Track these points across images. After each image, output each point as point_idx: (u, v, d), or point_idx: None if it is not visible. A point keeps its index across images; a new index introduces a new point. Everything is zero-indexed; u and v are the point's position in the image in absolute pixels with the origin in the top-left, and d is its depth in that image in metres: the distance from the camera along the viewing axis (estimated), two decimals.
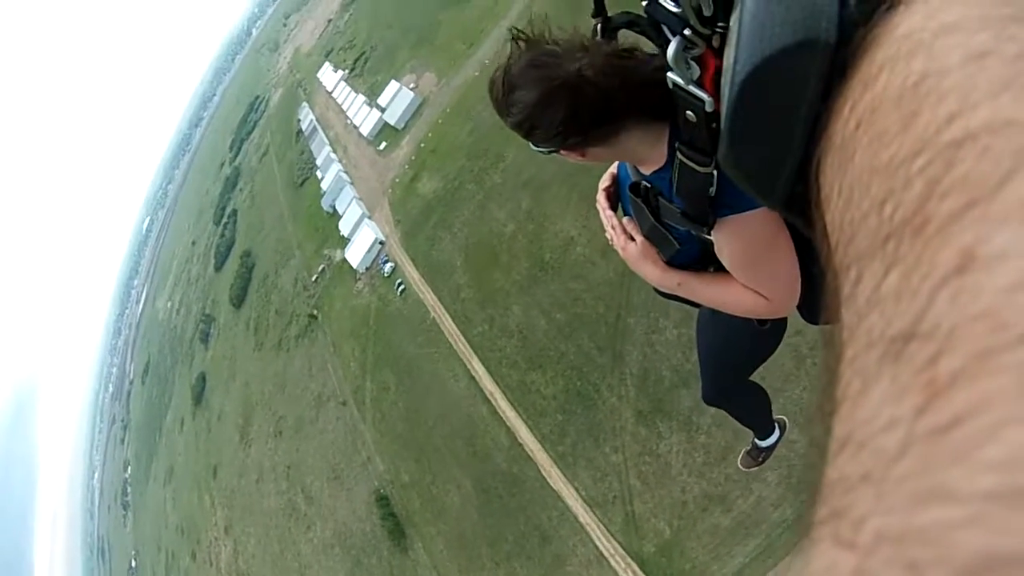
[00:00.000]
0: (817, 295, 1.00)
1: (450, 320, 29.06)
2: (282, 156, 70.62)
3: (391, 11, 57.57)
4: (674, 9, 0.71)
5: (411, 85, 45.20)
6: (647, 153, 1.17)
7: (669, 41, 0.75)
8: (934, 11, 0.23)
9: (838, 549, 0.16)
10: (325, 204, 49.06)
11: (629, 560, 18.79)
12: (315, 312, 42.48)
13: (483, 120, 32.54)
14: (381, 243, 38.01)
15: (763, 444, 2.59)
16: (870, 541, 0.15)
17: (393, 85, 47.02)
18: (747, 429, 2.46)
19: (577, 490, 21.21)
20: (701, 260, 1.32)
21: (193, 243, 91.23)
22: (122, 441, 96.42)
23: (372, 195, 43.33)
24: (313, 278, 45.49)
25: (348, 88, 59.58)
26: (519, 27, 1.10)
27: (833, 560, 0.16)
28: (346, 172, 49.63)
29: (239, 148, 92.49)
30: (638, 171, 1.24)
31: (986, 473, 0.13)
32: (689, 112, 0.87)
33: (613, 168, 1.42)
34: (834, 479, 0.18)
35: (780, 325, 1.59)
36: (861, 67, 0.26)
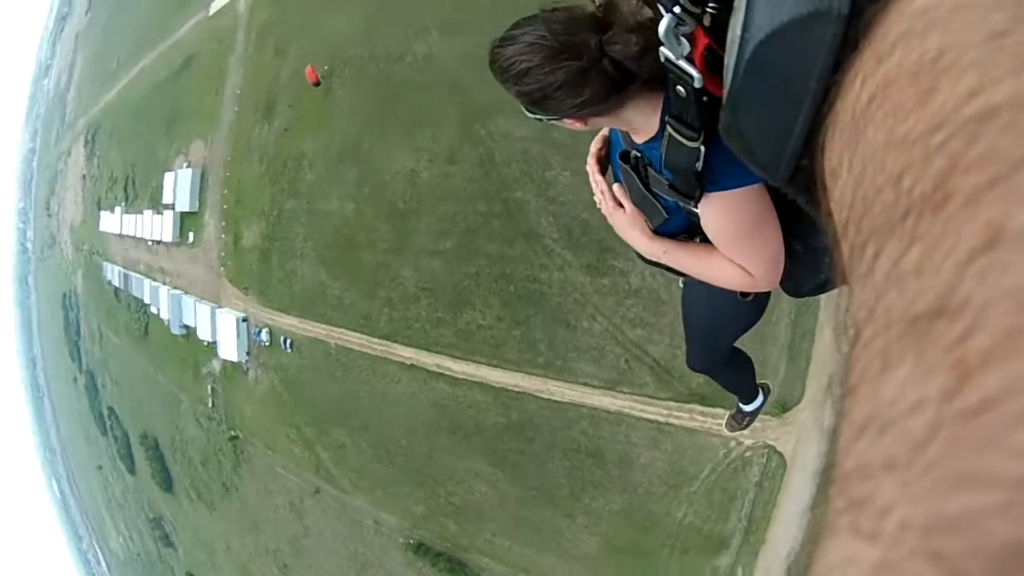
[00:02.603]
0: (800, 270, 1.24)
1: (351, 332, 24.63)
2: (115, 325, 63.69)
3: (129, 123, 53.66)
4: None
5: (184, 165, 41.15)
6: (643, 123, 1.18)
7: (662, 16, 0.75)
8: None
9: (858, 540, 0.15)
10: (175, 329, 43.98)
11: (690, 407, 15.28)
12: (233, 432, 37.04)
13: (265, 142, 29.09)
14: (244, 320, 33.49)
15: (747, 408, 2.78)
16: (894, 532, 0.14)
17: (168, 177, 42.84)
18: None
19: (588, 384, 17.50)
20: (687, 231, 1.35)
21: (100, 468, 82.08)
22: None
23: (209, 286, 38.67)
24: (210, 404, 39.93)
25: (132, 216, 54.41)
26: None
27: (853, 552, 0.16)
28: (174, 287, 45.06)
29: (78, 352, 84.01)
30: (630, 139, 1.26)
31: (1020, 458, 0.13)
32: (679, 87, 0.89)
33: (605, 131, 1.42)
34: (852, 466, 0.17)
35: (763, 296, 1.63)
36: (873, 41, 0.25)
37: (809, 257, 1.24)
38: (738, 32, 0.34)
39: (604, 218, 1.46)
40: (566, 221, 17.46)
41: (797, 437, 13.03)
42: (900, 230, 0.19)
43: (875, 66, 0.25)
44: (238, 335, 33.57)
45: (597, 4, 1.05)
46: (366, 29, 21.63)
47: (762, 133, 0.35)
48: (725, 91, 0.35)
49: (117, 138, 59.93)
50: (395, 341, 23.02)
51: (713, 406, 14.56)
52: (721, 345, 2.01)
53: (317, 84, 24.07)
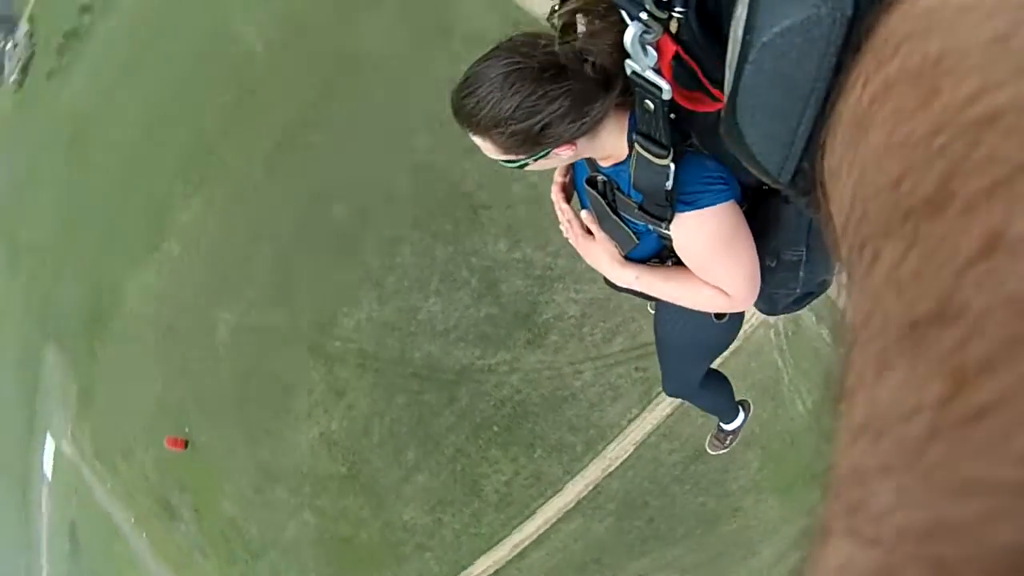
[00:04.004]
0: (774, 288, 1.25)
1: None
2: None
3: None
4: None
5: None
6: (614, 145, 1.15)
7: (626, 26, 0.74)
8: None
9: (857, 545, 0.16)
10: None
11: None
12: None
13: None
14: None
15: (729, 428, 2.89)
16: (893, 536, 0.14)
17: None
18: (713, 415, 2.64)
19: (634, 419, 15.82)
20: (659, 255, 1.32)
21: None
22: None
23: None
24: None
25: None
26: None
27: (851, 556, 0.16)
28: None
29: None
30: (595, 164, 1.24)
31: (1018, 465, 0.13)
32: (647, 101, 0.87)
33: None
34: (848, 470, 0.17)
35: (737, 317, 1.64)
36: (876, 43, 0.26)
37: (783, 273, 1.21)
38: (740, 34, 0.34)
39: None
40: (471, 336, 16.19)
41: None
42: (899, 233, 0.19)
43: (877, 68, 0.24)
44: None
45: (555, 16, 1.00)
46: (162, 404, 20.00)
47: (764, 134, 0.35)
48: (726, 94, 0.36)
49: None
50: (465, 567, 20.09)
51: None
52: (696, 369, 2.01)
53: (186, 446, 21.97)
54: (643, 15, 0.71)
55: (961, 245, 0.16)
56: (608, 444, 11.53)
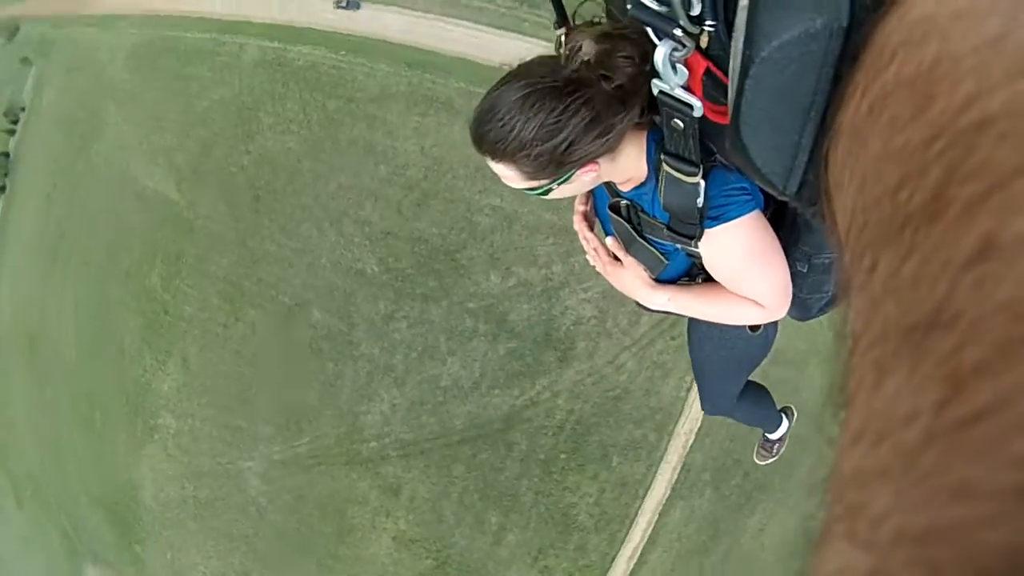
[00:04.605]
0: (805, 293, 1.23)
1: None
2: None
3: None
4: (659, 8, 0.71)
5: None
6: (634, 166, 1.13)
7: (655, 46, 0.75)
8: None
9: (854, 548, 0.16)
10: None
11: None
12: None
13: None
14: None
15: (774, 437, 2.74)
16: (889, 540, 0.15)
17: None
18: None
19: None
20: (688, 273, 1.30)
21: None
22: None
23: None
24: None
25: None
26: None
27: (849, 560, 0.16)
28: None
29: None
30: (615, 189, 1.21)
31: (1013, 469, 0.13)
32: (676, 120, 0.86)
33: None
34: (848, 474, 0.17)
35: (771, 328, 1.58)
36: (872, 52, 0.26)
37: (815, 277, 1.20)
38: (740, 47, 0.34)
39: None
40: (501, 380, 15.03)
41: None
42: (898, 241, 0.19)
43: (874, 76, 0.25)
44: None
45: (562, 42, 1.02)
46: None
47: (768, 148, 0.35)
48: (729, 107, 0.35)
49: None
50: None
51: None
52: (735, 386, 1.94)
53: None
54: (677, 31, 0.72)
55: (956, 251, 0.16)
56: (677, 421, 11.06)
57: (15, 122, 19.35)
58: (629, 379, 9.21)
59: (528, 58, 1.06)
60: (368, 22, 10.78)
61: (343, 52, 10.50)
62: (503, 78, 1.04)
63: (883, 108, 0.23)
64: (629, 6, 0.76)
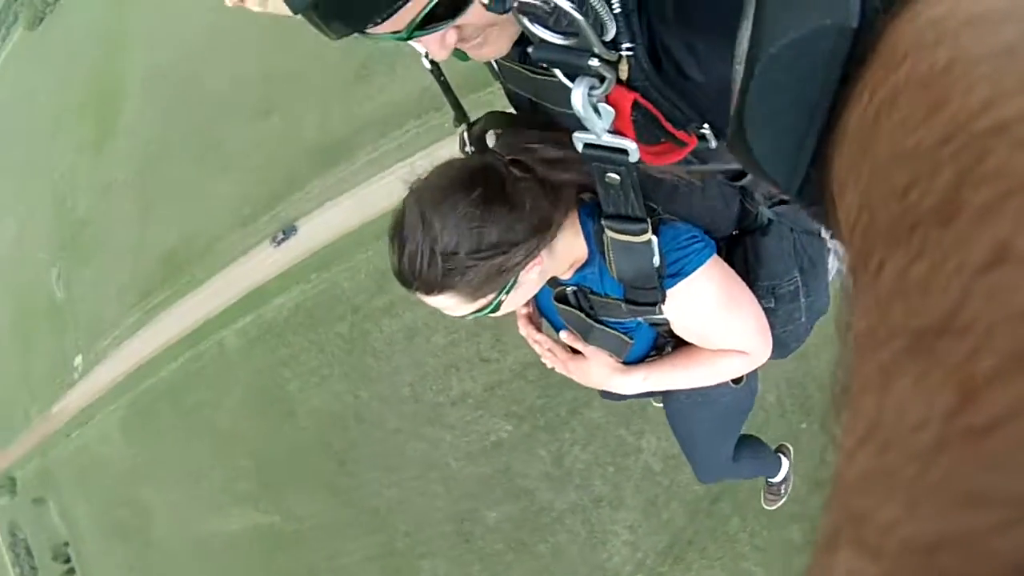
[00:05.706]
0: (780, 328, 1.16)
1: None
2: None
3: None
4: (566, 42, 0.66)
5: None
6: (573, 248, 1.04)
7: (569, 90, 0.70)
8: (958, 1, 0.23)
9: (860, 556, 0.15)
10: None
11: None
12: None
13: None
14: None
15: (777, 480, 2.73)
16: (897, 549, 0.14)
17: None
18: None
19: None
20: (655, 345, 1.23)
21: None
22: None
23: None
24: None
25: None
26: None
27: (855, 568, 0.15)
28: None
29: None
30: (555, 281, 1.14)
31: None
32: (610, 174, 0.81)
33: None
34: (853, 481, 0.17)
35: (753, 376, 1.50)
36: (883, 53, 0.26)
37: (784, 308, 1.16)
38: (746, 47, 0.34)
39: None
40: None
41: None
42: (907, 242, 0.19)
43: (884, 77, 0.25)
44: None
45: (463, 130, 1.00)
46: None
47: (772, 148, 0.35)
48: (733, 106, 0.36)
49: None
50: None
51: None
52: (727, 446, 1.83)
53: None
54: (592, 61, 0.66)
55: (969, 256, 0.16)
56: None
57: (68, 560, 18.55)
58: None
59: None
60: (314, 234, 10.15)
61: (313, 276, 9.81)
62: (399, 205, 0.94)
63: (893, 109, 0.23)
64: (530, 49, 0.69)
